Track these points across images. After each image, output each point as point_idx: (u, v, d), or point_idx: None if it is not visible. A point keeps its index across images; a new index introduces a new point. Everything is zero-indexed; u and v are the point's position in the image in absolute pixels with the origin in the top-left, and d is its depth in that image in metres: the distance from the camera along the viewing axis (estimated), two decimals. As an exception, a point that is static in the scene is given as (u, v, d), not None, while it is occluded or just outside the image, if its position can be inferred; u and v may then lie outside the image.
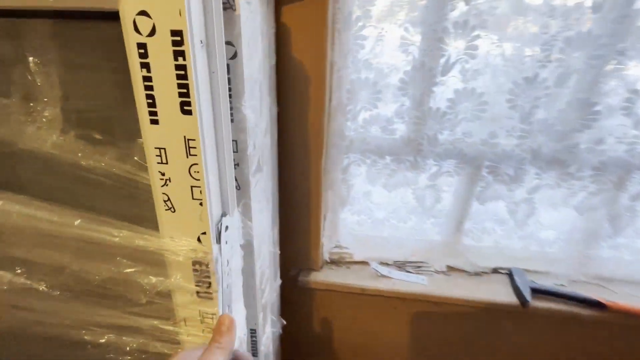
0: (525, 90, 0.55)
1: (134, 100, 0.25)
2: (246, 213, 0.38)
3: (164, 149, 0.26)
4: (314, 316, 0.83)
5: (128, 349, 0.36)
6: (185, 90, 0.24)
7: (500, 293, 0.70)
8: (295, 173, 0.65)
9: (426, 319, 0.77)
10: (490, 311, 0.70)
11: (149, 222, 0.30)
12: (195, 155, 0.26)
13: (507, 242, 0.74)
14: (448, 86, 0.58)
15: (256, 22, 0.37)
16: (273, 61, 0.50)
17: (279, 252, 0.66)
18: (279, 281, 0.70)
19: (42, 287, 0.35)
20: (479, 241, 0.75)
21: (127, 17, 0.22)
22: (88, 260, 0.32)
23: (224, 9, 0.29)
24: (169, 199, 0.28)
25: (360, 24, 0.56)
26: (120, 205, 0.31)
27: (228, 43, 0.31)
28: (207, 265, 0.30)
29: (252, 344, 0.48)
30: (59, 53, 0.27)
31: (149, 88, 0.24)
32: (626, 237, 0.67)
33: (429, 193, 0.70)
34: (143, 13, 0.22)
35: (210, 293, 0.32)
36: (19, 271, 0.35)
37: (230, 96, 0.33)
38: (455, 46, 0.54)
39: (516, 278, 0.71)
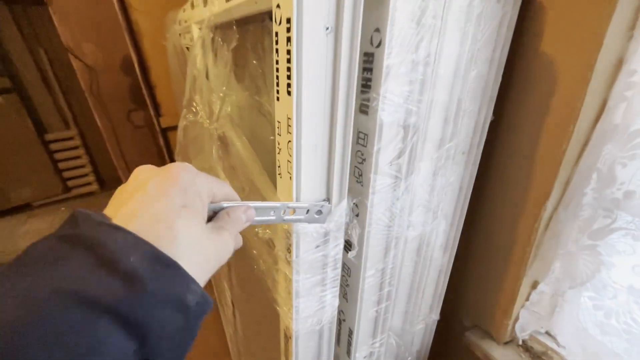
0: None
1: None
2: (361, 210, 0.36)
3: (279, 122, 0.31)
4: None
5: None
6: (289, 74, 0.27)
7: None
8: (497, 204, 0.50)
9: None
10: None
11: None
12: (290, 133, 0.29)
13: None
14: None
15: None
16: (499, 52, 0.39)
17: (444, 279, 0.55)
18: (434, 317, 0.60)
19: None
20: None
21: (273, 11, 0.28)
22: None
23: (378, -6, 0.28)
24: (279, 166, 0.33)
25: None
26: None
27: (377, 30, 0.29)
28: (290, 234, 0.34)
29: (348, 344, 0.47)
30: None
31: (276, 70, 0.29)
32: None
33: None
34: (277, 6, 0.27)
35: (290, 260, 0.35)
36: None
37: (369, 87, 0.31)
38: None
39: None
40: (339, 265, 0.39)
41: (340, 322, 0.48)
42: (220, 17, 0.47)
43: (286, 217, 0.32)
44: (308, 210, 0.32)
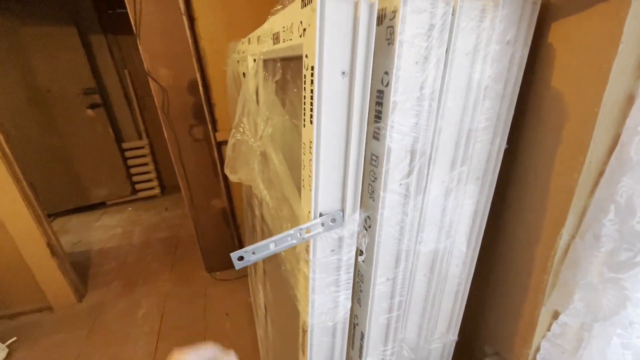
0: None
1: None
2: (372, 223, 0.41)
3: (304, 144, 0.38)
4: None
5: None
6: (312, 107, 0.34)
7: None
8: (514, 229, 0.51)
9: None
10: None
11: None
12: (311, 154, 0.36)
13: None
14: None
15: (467, 43, 0.36)
16: (511, 89, 0.42)
17: (462, 299, 0.57)
18: (452, 337, 0.61)
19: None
20: None
21: (302, 59, 0.35)
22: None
23: (388, 44, 0.34)
24: (303, 179, 0.40)
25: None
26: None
27: (386, 73, 0.35)
28: (306, 232, 0.40)
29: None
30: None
31: (304, 103, 0.37)
32: None
33: None
34: (306, 56, 0.34)
35: (308, 260, 0.41)
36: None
37: (380, 118, 0.37)
38: None
39: None
40: (352, 270, 0.44)
41: (354, 325, 0.53)
42: (268, 55, 0.57)
43: (306, 236, 0.38)
44: (323, 224, 0.39)
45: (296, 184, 0.50)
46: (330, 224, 0.39)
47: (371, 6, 0.31)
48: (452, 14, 0.35)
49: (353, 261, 0.44)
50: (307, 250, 0.41)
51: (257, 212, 0.96)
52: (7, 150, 1.48)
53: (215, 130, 1.62)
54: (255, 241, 0.51)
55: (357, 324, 0.52)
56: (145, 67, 1.46)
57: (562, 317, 0.52)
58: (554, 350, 0.55)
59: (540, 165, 0.46)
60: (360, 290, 0.48)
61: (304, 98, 0.36)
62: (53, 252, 1.64)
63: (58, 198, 2.68)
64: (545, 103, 0.44)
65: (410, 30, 0.33)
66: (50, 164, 2.58)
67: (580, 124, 0.40)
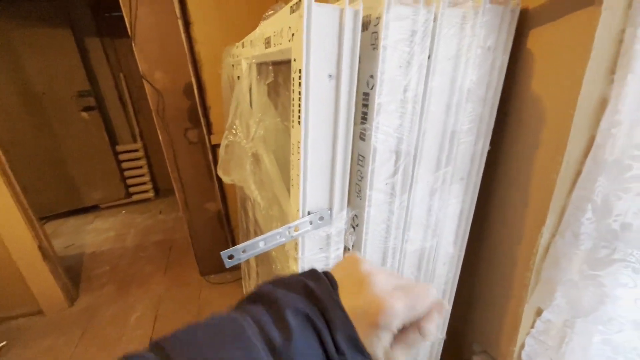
0: None
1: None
2: (360, 221, 0.43)
3: (293, 144, 0.39)
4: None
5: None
6: (299, 109, 0.35)
7: None
8: (498, 228, 0.53)
9: None
10: None
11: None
12: (299, 154, 0.37)
13: None
14: None
15: (449, 49, 0.38)
16: (492, 92, 0.44)
17: (449, 297, 0.58)
18: (441, 335, 0.62)
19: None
20: None
21: (291, 63, 0.37)
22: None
23: (373, 48, 0.36)
24: (292, 179, 0.41)
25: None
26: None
27: (371, 76, 0.37)
28: (295, 230, 0.41)
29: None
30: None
31: (292, 105, 0.38)
32: None
33: None
34: (294, 59, 0.36)
35: (297, 258, 0.43)
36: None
37: (366, 119, 0.39)
38: None
39: None
40: (340, 267, 0.45)
41: (343, 323, 0.54)
42: (260, 58, 0.58)
43: (294, 234, 0.39)
44: (311, 222, 0.40)
45: (286, 185, 0.51)
46: (319, 222, 0.40)
47: (356, 13, 0.33)
48: (434, 21, 0.36)
49: (342, 258, 0.45)
50: (296, 248, 0.42)
51: (250, 215, 0.97)
52: None
53: (210, 133, 1.63)
54: (247, 240, 0.52)
55: (346, 322, 0.53)
56: (141, 70, 1.47)
57: (545, 314, 0.54)
58: (538, 346, 0.57)
59: (522, 165, 0.48)
60: (349, 288, 0.49)
61: (293, 100, 0.38)
62: (44, 256, 1.63)
63: (51, 201, 2.66)
64: (525, 106, 0.46)
65: (393, 36, 0.35)
66: (43, 166, 2.56)
67: (557, 126, 0.42)
